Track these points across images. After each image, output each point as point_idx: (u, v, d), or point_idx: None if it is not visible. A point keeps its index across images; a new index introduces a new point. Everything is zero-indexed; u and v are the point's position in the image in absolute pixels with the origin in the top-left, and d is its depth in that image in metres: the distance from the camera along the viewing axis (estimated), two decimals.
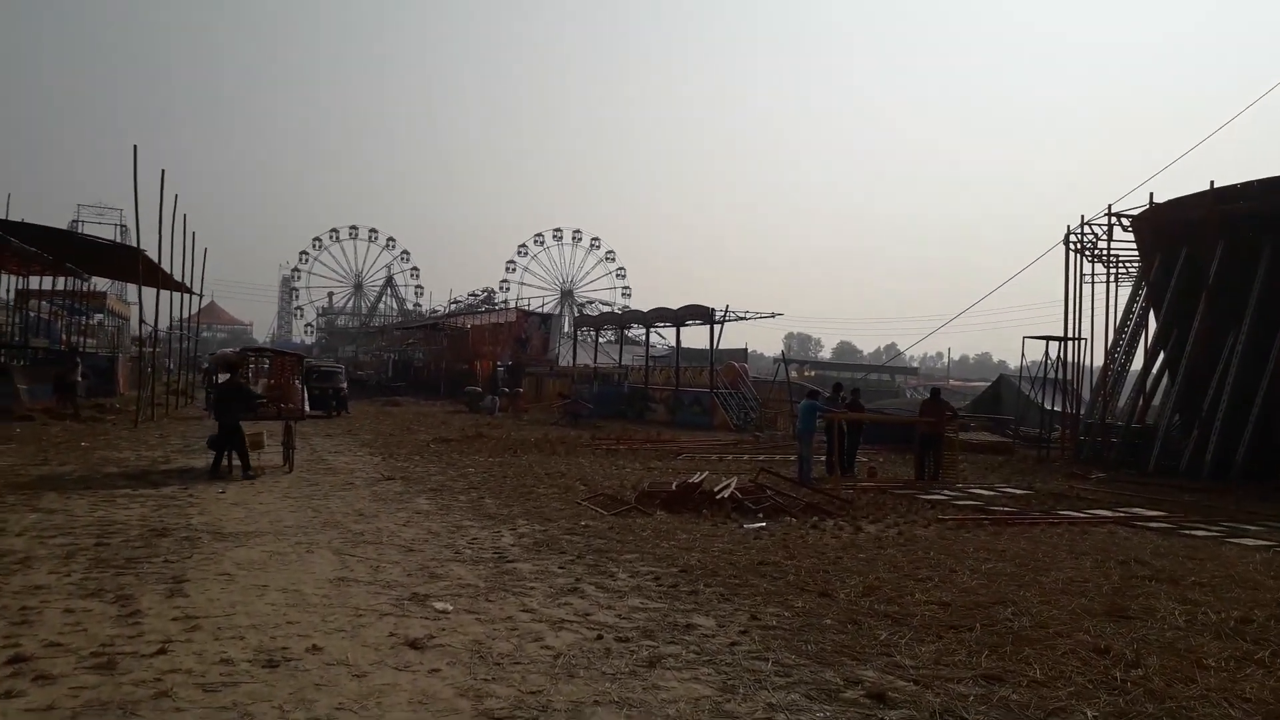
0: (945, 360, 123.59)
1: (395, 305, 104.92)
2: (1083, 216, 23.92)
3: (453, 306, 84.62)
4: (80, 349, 33.88)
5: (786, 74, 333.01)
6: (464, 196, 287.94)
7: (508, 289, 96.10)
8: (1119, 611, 6.89)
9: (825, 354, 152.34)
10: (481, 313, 68.18)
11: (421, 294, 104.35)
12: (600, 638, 5.87)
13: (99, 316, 47.64)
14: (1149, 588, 7.87)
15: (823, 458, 17.59)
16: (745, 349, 56.63)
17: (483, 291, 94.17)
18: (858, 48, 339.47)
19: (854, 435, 18.32)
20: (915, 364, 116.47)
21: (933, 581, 7.85)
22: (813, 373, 77.29)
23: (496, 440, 21.78)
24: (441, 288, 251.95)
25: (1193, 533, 11.69)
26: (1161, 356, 22.85)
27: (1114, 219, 23.50)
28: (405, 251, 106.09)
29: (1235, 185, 20.35)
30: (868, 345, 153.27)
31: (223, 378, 16.30)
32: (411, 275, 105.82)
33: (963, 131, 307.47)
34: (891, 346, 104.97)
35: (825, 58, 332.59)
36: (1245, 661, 5.68)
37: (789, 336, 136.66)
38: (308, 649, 5.38)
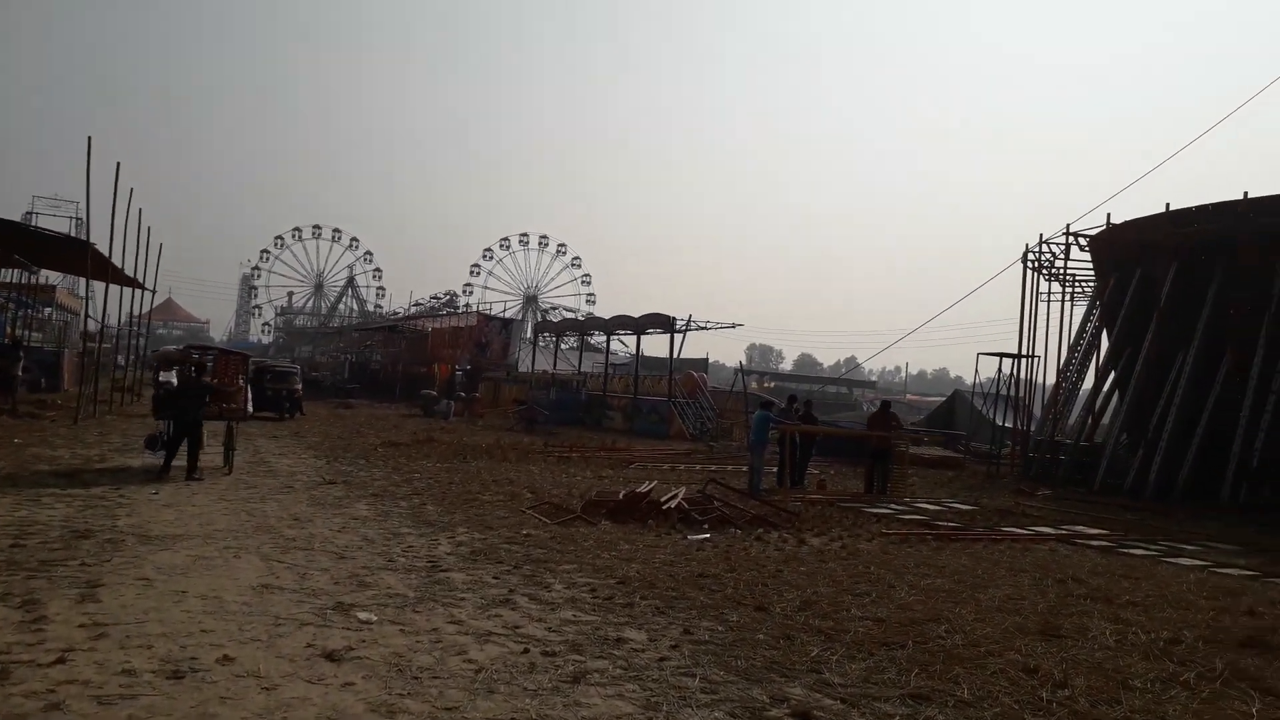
0: (903, 375, 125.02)
1: (356, 306, 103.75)
2: (1041, 235, 24.29)
3: (414, 309, 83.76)
4: (25, 343, 32.99)
5: (758, 88, 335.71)
6: (432, 200, 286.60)
7: (471, 293, 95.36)
8: (1052, 630, 6.89)
9: (786, 365, 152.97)
10: (442, 316, 67.48)
11: (384, 295, 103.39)
12: (526, 651, 5.73)
13: (48, 310, 46.54)
14: (1083, 606, 7.90)
15: (774, 469, 17.60)
16: (707, 359, 56.95)
17: (445, 295, 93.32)
18: (829, 64, 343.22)
19: (806, 448, 18.38)
20: (874, 378, 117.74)
21: (870, 597, 7.81)
22: (772, 384, 77.73)
23: (447, 445, 21.50)
24: (404, 290, 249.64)
25: (1131, 551, 11.82)
26: (1112, 376, 23.18)
27: (1071, 238, 23.83)
28: (369, 252, 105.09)
29: (1190, 208, 20.71)
30: (828, 358, 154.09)
31: (165, 375, 15.90)
32: (374, 276, 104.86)
33: (931, 149, 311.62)
34: (851, 359, 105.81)
35: (796, 74, 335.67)
36: (1170, 683, 5.68)
37: (751, 348, 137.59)
38: (218, 659, 5.17)
